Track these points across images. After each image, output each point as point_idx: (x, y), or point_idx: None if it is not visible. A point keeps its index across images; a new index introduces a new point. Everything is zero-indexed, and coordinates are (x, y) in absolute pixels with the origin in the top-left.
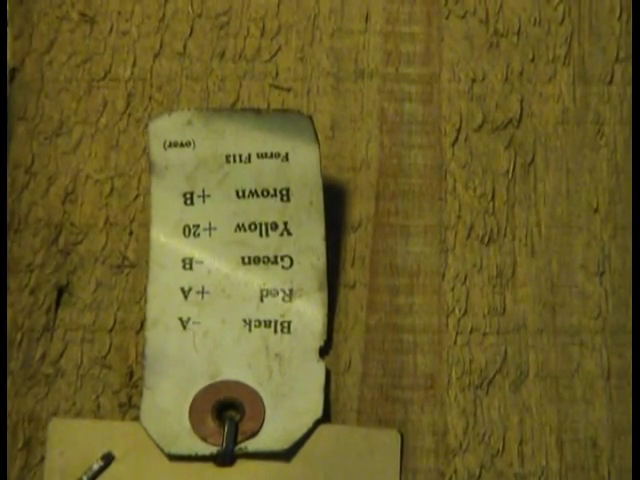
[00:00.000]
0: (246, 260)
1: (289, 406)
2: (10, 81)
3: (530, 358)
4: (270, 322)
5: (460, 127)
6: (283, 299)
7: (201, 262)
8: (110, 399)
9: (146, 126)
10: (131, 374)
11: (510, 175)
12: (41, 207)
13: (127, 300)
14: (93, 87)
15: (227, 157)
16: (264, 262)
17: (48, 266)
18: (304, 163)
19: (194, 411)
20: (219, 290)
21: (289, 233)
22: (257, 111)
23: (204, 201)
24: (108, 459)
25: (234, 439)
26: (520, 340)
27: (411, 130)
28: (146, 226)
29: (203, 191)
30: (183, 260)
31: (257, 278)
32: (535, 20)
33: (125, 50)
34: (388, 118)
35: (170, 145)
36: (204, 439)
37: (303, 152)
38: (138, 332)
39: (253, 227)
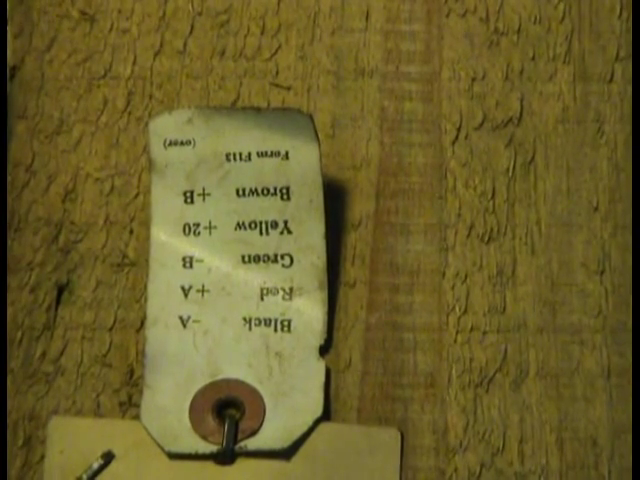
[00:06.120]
0: (246, 259)
1: (289, 404)
2: (10, 79)
3: (530, 357)
4: (270, 321)
5: (460, 125)
6: (283, 298)
7: (201, 261)
8: (110, 398)
9: (146, 124)
10: (131, 373)
11: (510, 173)
12: (41, 205)
13: (127, 299)
14: (93, 85)
15: (227, 155)
16: (264, 261)
17: (48, 264)
18: (304, 161)
19: (194, 410)
20: (219, 289)
21: (289, 232)
22: (257, 109)
23: (204, 199)
24: (108, 458)
25: (234, 438)
26: (520, 339)
27: (411, 128)
28: (146, 224)
29: (203, 189)
30: (183, 258)
31: (257, 277)
32: (535, 18)
33: (125, 48)
34: (388, 116)
35: (170, 143)
36: (204, 438)
37: (303, 150)
38: (138, 331)
39: (253, 225)
